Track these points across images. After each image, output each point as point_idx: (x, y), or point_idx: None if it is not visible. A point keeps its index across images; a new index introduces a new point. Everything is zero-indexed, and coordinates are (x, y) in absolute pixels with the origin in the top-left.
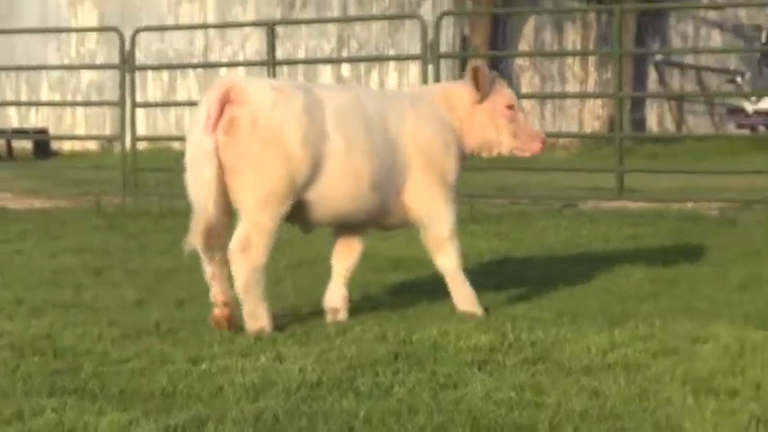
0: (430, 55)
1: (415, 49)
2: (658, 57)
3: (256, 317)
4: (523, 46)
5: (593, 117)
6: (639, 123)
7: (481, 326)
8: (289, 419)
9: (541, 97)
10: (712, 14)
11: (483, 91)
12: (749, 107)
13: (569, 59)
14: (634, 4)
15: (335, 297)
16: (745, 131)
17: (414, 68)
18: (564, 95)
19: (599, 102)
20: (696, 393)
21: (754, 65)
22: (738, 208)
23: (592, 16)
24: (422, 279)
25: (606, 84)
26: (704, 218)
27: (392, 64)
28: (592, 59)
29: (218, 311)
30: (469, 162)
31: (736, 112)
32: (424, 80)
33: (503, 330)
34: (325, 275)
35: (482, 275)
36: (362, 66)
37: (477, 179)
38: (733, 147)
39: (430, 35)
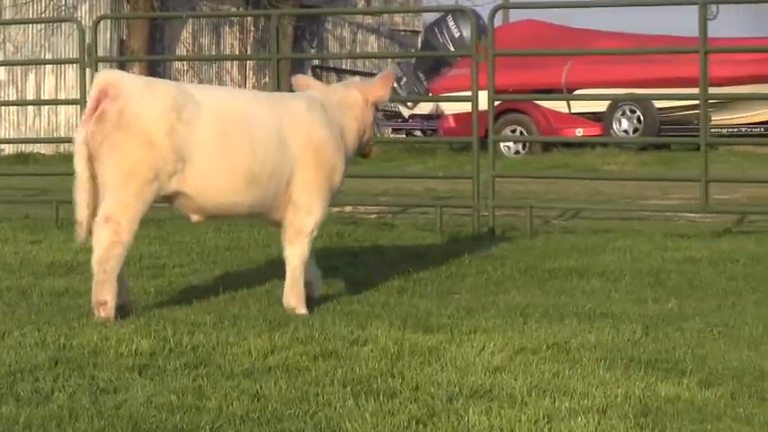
0: (87, 59)
1: (73, 52)
2: (315, 61)
3: (102, 291)
4: (181, 50)
5: None
6: None
7: (141, 330)
8: None
9: None
10: (369, 20)
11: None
12: (405, 112)
13: (227, 64)
14: (291, 8)
15: None
16: (401, 136)
17: (71, 72)
18: None
19: None
20: (356, 395)
21: (411, 70)
22: (395, 212)
23: (249, 21)
24: (78, 283)
25: (264, 88)
26: (363, 221)
27: (49, 67)
28: (250, 64)
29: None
30: None
31: (393, 116)
32: (82, 84)
33: (164, 335)
34: None
35: (142, 280)
36: (19, 69)
37: None
38: (389, 151)
39: (87, 39)
